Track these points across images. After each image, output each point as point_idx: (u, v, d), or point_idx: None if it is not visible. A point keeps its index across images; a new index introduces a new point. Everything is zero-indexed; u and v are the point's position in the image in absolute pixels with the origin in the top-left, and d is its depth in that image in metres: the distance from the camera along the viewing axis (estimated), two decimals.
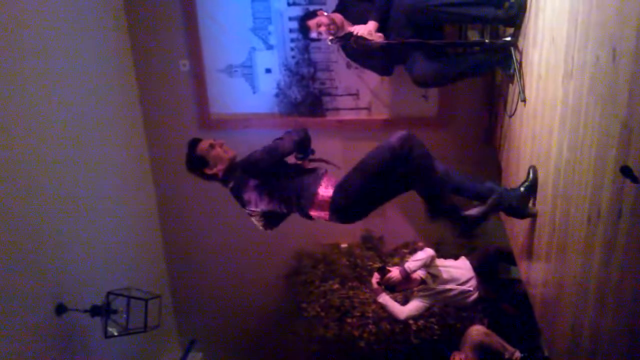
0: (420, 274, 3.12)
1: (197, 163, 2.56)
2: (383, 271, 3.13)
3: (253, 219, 2.66)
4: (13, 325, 2.58)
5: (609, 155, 1.46)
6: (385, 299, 3.20)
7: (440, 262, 3.23)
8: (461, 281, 3.19)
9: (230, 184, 2.56)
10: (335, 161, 2.74)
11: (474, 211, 2.29)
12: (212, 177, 2.58)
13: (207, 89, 3.92)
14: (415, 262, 3.11)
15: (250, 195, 2.52)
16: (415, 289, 3.18)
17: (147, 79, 3.95)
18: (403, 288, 3.16)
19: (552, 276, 2.06)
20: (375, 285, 3.18)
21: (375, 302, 3.36)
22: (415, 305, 3.19)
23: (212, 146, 2.55)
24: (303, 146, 2.57)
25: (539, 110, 2.27)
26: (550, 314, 2.09)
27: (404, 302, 3.29)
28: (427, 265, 3.15)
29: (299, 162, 2.64)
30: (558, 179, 1.96)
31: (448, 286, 3.16)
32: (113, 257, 3.54)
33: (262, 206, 2.54)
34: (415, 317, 3.32)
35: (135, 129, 3.98)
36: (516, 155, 2.73)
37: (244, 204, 2.57)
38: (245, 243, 4.14)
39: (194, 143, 2.58)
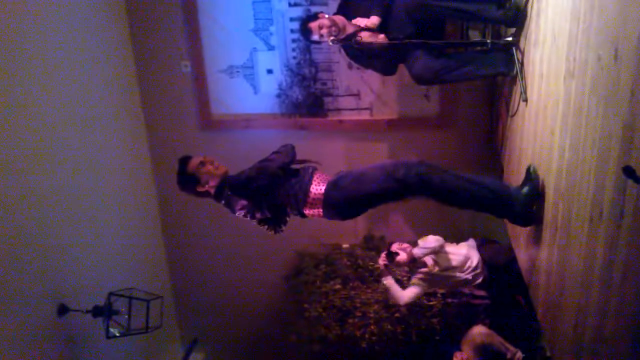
0: (426, 259, 3.12)
1: (188, 181, 2.55)
2: (391, 255, 3.14)
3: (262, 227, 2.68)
4: (15, 326, 2.58)
5: (611, 156, 1.46)
6: (390, 282, 3.20)
7: (448, 247, 3.21)
8: (465, 269, 3.17)
9: (222, 202, 2.57)
10: (316, 161, 2.70)
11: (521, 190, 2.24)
12: (205, 194, 2.58)
13: (208, 89, 3.92)
14: (423, 249, 3.10)
15: (242, 211, 2.54)
16: (421, 270, 3.16)
17: (149, 80, 3.95)
18: (407, 267, 3.20)
19: (554, 276, 2.05)
20: (382, 267, 3.18)
21: (380, 285, 3.35)
22: (414, 292, 3.17)
23: (202, 163, 2.53)
24: (289, 166, 2.55)
25: (540, 110, 2.27)
26: (553, 315, 2.09)
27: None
28: (435, 252, 3.14)
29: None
30: (560, 179, 1.96)
31: (450, 273, 3.15)
32: (115, 257, 3.54)
33: (256, 217, 2.57)
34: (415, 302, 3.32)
35: (136, 130, 3.98)
36: (518, 155, 2.73)
37: (238, 215, 2.60)
38: (247, 243, 4.14)
39: (184, 161, 2.56)
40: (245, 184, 2.47)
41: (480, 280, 3.19)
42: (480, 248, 3.28)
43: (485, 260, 3.23)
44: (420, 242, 3.21)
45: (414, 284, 3.19)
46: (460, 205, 2.40)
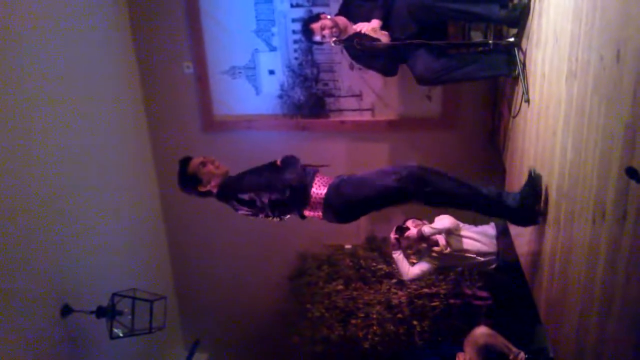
0: (438, 238, 3.11)
1: (189, 182, 2.56)
2: (402, 229, 3.15)
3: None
4: (19, 326, 2.59)
5: (613, 156, 1.46)
6: (398, 256, 3.20)
7: (464, 230, 3.18)
8: (478, 252, 3.16)
9: (225, 204, 2.60)
10: (322, 162, 2.70)
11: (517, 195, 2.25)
12: (207, 194, 2.59)
13: (210, 90, 3.93)
14: (432, 228, 3.09)
15: (245, 212, 2.58)
16: (432, 249, 3.15)
17: (151, 82, 3.96)
18: (418, 246, 3.20)
19: (556, 277, 2.05)
20: (393, 241, 3.18)
21: (390, 257, 3.35)
22: (420, 268, 3.18)
23: (203, 164, 2.54)
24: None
25: (542, 111, 2.27)
26: (556, 316, 2.09)
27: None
28: (448, 232, 3.12)
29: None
30: (562, 179, 1.96)
31: (463, 254, 3.13)
32: (118, 258, 3.55)
33: (260, 216, 2.60)
34: (420, 278, 3.33)
35: (139, 131, 3.99)
36: (520, 155, 2.73)
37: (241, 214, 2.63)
38: (250, 244, 4.15)
39: (185, 162, 2.57)
40: (247, 201, 2.50)
41: (493, 266, 3.17)
42: (499, 236, 3.24)
43: (499, 250, 3.21)
44: (436, 219, 3.19)
45: (422, 260, 3.19)
46: (458, 208, 2.42)
